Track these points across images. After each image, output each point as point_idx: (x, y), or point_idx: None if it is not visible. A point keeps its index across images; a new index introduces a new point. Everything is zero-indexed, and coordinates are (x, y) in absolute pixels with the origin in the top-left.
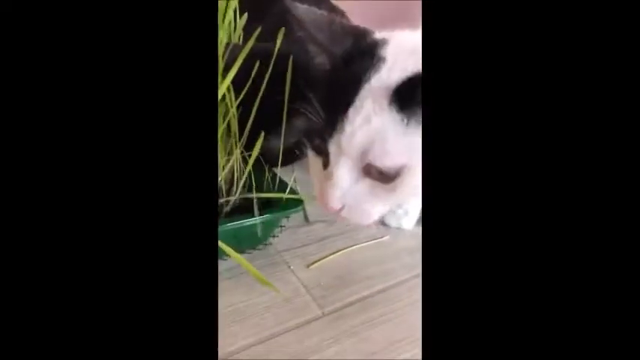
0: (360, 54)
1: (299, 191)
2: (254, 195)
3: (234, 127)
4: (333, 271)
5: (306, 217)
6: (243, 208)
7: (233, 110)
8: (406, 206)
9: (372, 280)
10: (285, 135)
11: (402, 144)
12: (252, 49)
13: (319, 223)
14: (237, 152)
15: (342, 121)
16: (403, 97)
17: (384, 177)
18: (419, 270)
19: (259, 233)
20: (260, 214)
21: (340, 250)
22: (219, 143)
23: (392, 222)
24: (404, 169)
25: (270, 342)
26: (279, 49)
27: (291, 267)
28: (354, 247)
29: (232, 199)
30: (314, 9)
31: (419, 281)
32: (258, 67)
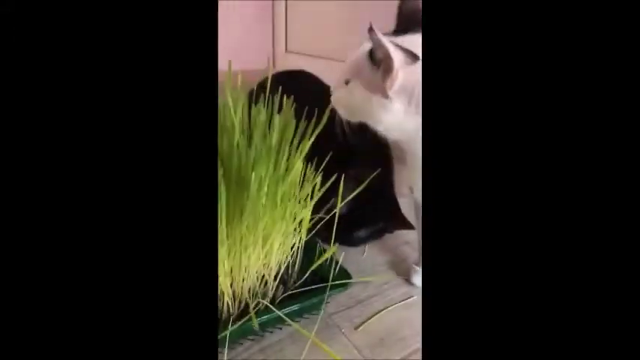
0: None
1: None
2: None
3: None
4: (377, 334)
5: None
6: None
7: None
8: None
9: (405, 341)
10: None
11: None
12: None
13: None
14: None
15: None
16: None
17: None
18: None
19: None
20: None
21: (378, 312)
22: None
23: (417, 281)
24: None
25: None
26: None
27: (342, 330)
28: (390, 307)
29: (292, 280)
30: None
31: None
32: None
